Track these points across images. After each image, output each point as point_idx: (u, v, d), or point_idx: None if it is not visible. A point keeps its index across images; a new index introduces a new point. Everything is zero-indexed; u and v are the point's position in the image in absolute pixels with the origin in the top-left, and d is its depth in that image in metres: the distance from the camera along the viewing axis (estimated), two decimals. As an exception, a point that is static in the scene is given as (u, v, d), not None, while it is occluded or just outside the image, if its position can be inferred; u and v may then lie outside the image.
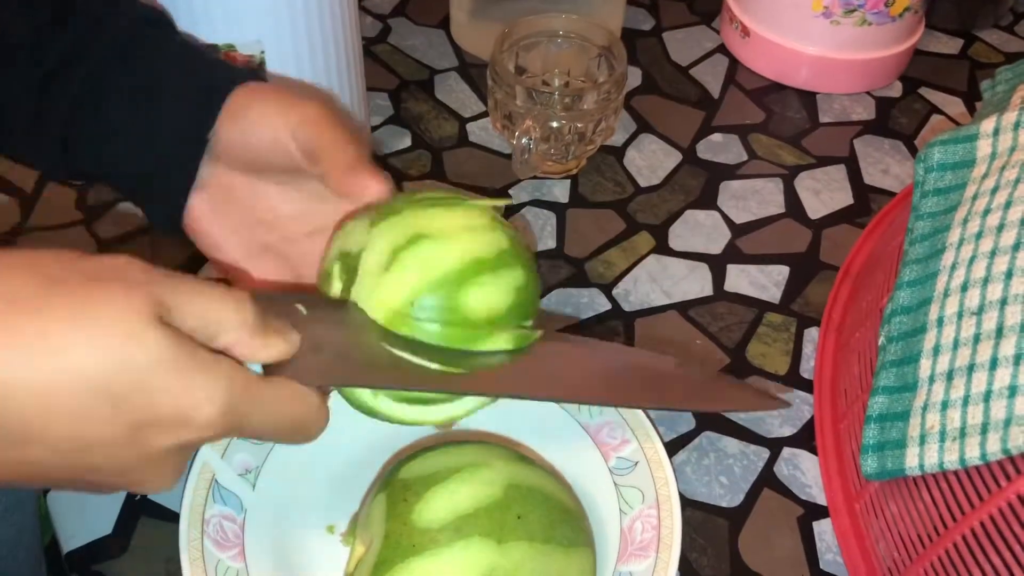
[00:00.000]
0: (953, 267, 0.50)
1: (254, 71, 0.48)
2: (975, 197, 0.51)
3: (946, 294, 0.49)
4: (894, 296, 0.53)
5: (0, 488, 0.34)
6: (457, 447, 0.44)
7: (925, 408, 0.47)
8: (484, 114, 0.76)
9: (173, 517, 0.50)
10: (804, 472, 0.55)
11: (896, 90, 0.81)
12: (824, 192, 0.71)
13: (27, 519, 0.63)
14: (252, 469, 0.49)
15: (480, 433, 0.52)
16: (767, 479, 0.55)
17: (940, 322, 0.49)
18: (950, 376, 0.47)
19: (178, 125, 0.45)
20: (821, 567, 0.51)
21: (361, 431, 0.52)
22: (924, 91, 0.81)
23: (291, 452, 0.51)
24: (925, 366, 0.48)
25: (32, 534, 0.64)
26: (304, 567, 0.47)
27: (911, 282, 0.52)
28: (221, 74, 0.46)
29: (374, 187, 0.43)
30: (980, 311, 0.47)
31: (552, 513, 0.43)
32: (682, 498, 0.52)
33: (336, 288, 0.43)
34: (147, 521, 0.51)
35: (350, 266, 0.42)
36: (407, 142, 0.74)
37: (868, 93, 0.80)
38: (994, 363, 0.44)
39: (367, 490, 0.49)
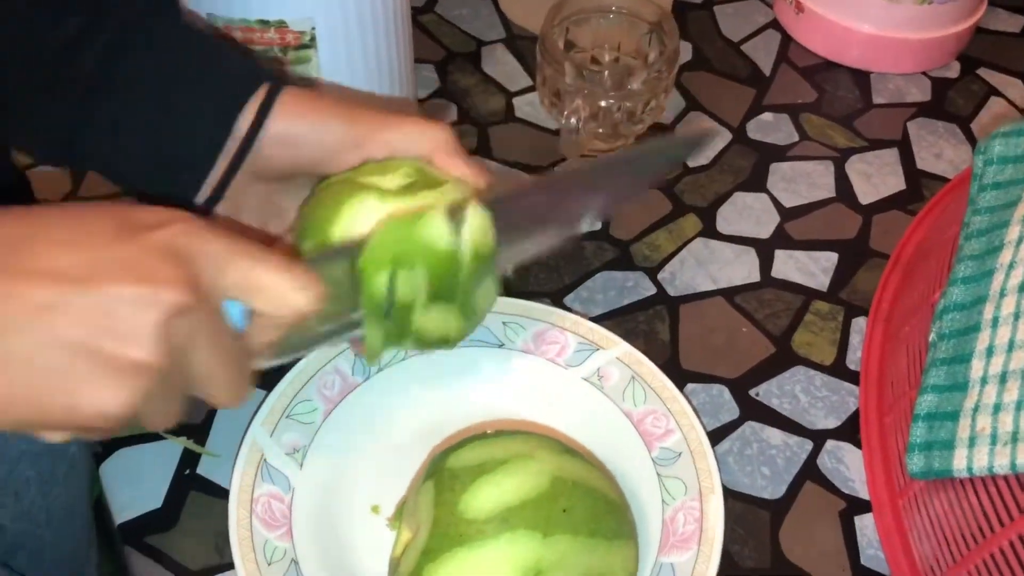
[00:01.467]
0: (1011, 266, 0.49)
1: (272, 68, 0.47)
2: (1036, 194, 0.50)
3: (1002, 294, 0.48)
4: (947, 292, 0.52)
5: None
6: (504, 438, 0.45)
7: (976, 410, 0.46)
8: (531, 88, 0.76)
9: (222, 493, 0.51)
10: (847, 466, 0.55)
11: (954, 70, 0.78)
12: (875, 176, 0.70)
13: (82, 486, 0.64)
14: (300, 448, 0.50)
15: (526, 423, 0.52)
16: (810, 471, 0.55)
17: (995, 322, 0.48)
18: (1003, 379, 0.46)
19: (197, 126, 0.45)
20: (862, 562, 0.51)
21: (409, 415, 0.53)
22: (983, 72, 0.79)
23: (339, 432, 0.51)
24: (977, 367, 0.48)
25: (85, 502, 0.66)
26: (350, 547, 0.48)
27: (966, 279, 0.51)
28: (243, 71, 0.46)
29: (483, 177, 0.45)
30: (1038, 314, 0.46)
31: (597, 506, 0.43)
32: (724, 488, 0.52)
33: None
34: (196, 496, 0.52)
35: None
36: (453, 116, 0.73)
37: (924, 73, 0.78)
38: (1050, 369, 0.44)
39: (413, 474, 0.50)
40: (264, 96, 0.45)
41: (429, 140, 0.45)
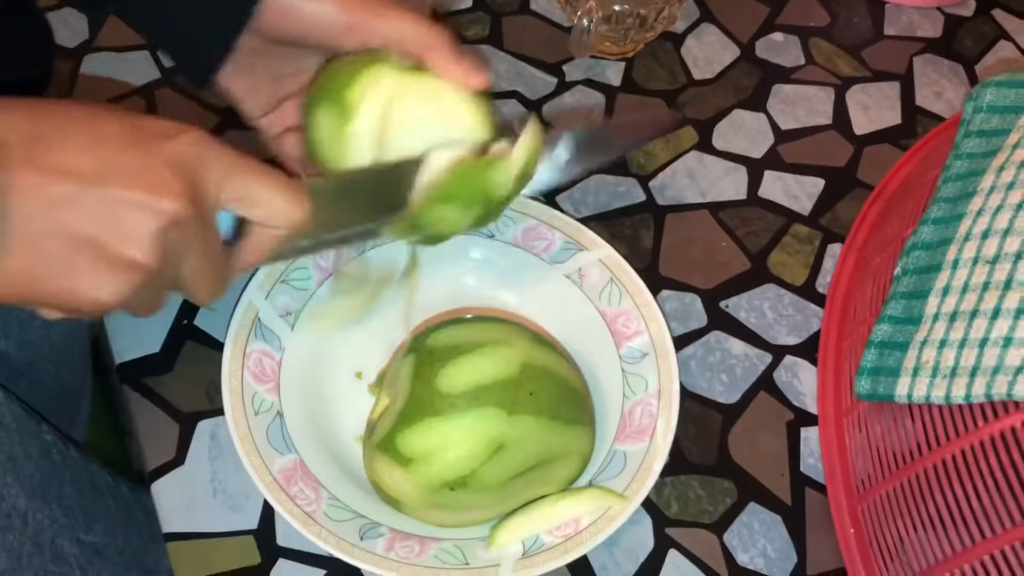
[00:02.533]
0: (979, 213, 0.51)
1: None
2: (1016, 146, 0.52)
3: (966, 238, 0.51)
4: (917, 230, 0.54)
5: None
6: (483, 323, 0.48)
7: (924, 343, 0.50)
8: (549, -19, 0.76)
9: (216, 345, 0.55)
10: (801, 381, 0.59)
11: (968, 8, 0.79)
12: (873, 108, 0.72)
13: (82, 321, 0.68)
14: (292, 312, 0.53)
15: (505, 312, 0.55)
16: (765, 383, 0.58)
17: (955, 264, 0.51)
18: (953, 317, 0.49)
19: None
20: (801, 470, 0.55)
21: (397, 293, 0.56)
22: (997, 13, 0.79)
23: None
24: (932, 303, 0.51)
25: (85, 337, 0.70)
26: (332, 406, 0.52)
27: (936, 219, 0.54)
28: None
29: (476, 79, 0.47)
30: (994, 260, 0.49)
31: (561, 393, 0.47)
32: (683, 389, 0.55)
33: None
34: (192, 345, 0.56)
35: None
36: (468, 1, 0.74)
37: (939, 8, 0.78)
38: (996, 313, 0.47)
39: (396, 347, 0.54)
40: None
41: (422, 37, 0.46)
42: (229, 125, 0.64)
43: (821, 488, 0.55)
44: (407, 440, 0.44)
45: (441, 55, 0.46)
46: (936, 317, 0.50)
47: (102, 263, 0.36)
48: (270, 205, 0.40)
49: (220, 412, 0.52)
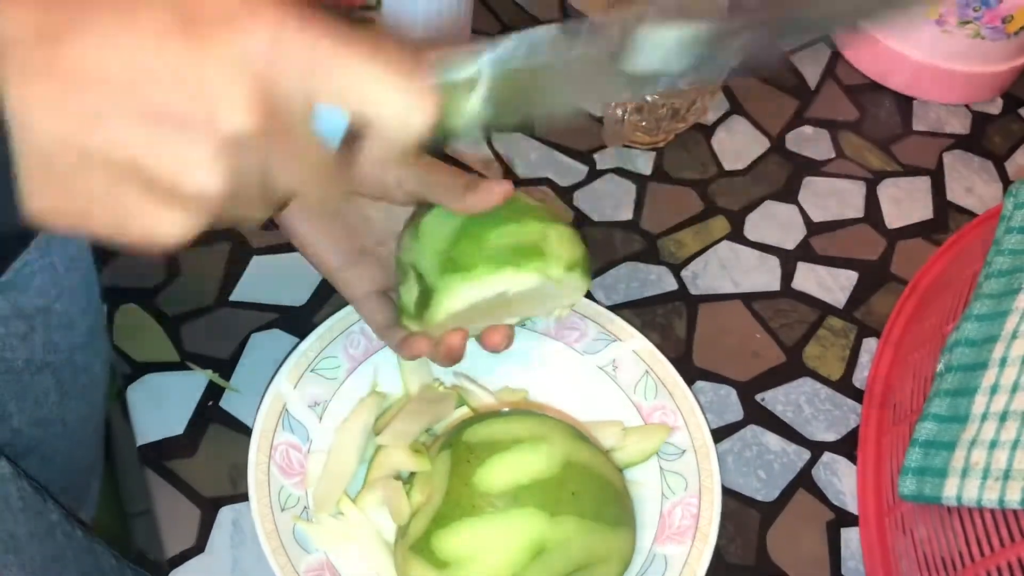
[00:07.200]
0: (1026, 311, 0.50)
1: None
2: (1061, 244, 0.52)
3: (1014, 336, 0.50)
4: (960, 326, 0.53)
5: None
6: (521, 417, 0.47)
7: (973, 443, 0.48)
8: (579, 72, 0.77)
9: (242, 428, 0.54)
10: (840, 479, 0.57)
11: (996, 107, 0.79)
12: (905, 202, 0.72)
13: (99, 401, 0.67)
14: (321, 402, 0.52)
15: (541, 406, 0.54)
16: (803, 480, 0.57)
17: (1003, 362, 0.50)
18: (1003, 417, 0.48)
19: None
20: (842, 572, 0.53)
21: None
22: (1024, 111, 0.80)
23: (360, 391, 0.53)
24: (980, 402, 0.50)
25: (100, 417, 0.68)
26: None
27: (980, 316, 0.53)
28: None
29: (498, 191, 0.44)
30: (1045, 360, 0.48)
31: (603, 492, 0.45)
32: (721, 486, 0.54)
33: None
34: (216, 428, 0.54)
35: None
36: (500, 90, 0.75)
37: (966, 106, 0.79)
38: (1050, 415, 0.45)
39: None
40: None
41: (432, 177, 0.45)
42: None
43: (865, 593, 0.53)
44: (443, 542, 0.42)
45: (453, 192, 0.44)
46: (985, 416, 0.49)
47: (154, 197, 0.28)
48: (382, 106, 0.29)
49: (244, 498, 0.50)
